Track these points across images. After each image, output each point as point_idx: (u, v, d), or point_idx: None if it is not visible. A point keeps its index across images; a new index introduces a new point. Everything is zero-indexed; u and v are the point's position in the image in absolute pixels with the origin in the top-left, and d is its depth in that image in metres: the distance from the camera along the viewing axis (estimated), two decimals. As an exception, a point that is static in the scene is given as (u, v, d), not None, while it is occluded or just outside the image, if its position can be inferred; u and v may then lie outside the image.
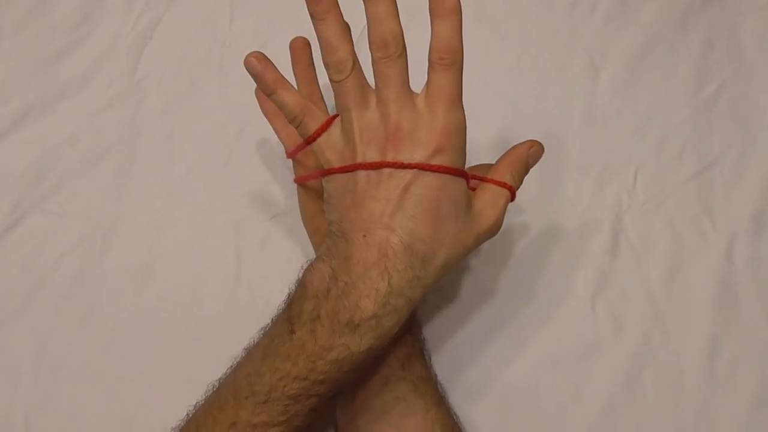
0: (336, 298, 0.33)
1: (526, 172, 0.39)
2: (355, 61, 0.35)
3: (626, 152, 0.54)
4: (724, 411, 0.45)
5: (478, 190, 0.37)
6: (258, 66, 0.35)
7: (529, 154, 0.39)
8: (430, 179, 0.34)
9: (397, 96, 0.34)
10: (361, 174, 0.35)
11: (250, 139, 0.53)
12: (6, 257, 0.49)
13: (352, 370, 0.34)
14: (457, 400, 0.44)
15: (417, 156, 0.33)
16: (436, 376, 0.42)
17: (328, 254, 0.35)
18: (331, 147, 0.36)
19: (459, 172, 0.34)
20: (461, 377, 0.46)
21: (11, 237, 0.49)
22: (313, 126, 0.36)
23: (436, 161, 0.34)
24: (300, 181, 0.46)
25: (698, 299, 0.48)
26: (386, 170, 0.34)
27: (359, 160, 0.35)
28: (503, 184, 0.37)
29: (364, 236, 0.34)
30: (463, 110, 0.35)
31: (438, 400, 0.40)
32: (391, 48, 0.33)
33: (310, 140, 0.37)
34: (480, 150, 0.53)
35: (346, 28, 0.35)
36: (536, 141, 0.39)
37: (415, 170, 0.33)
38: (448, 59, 0.33)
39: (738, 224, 0.51)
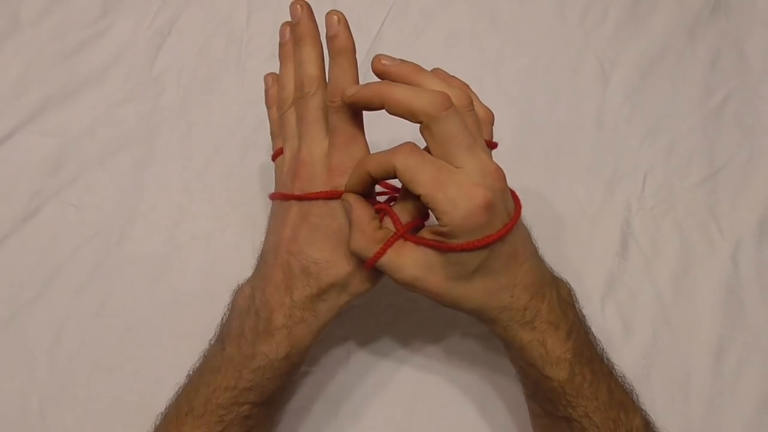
0: (255, 312, 0.37)
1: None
2: (296, 98, 0.38)
3: (636, 158, 0.55)
4: (731, 412, 0.46)
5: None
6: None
7: None
8: (322, 209, 0.36)
9: (306, 133, 0.37)
10: (277, 202, 0.39)
11: (269, 133, 0.53)
12: (23, 247, 0.49)
13: (275, 376, 0.36)
14: (472, 400, 0.45)
15: (315, 188, 0.36)
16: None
17: (253, 275, 0.39)
18: (279, 171, 0.40)
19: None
20: (476, 377, 0.47)
21: (28, 227, 0.49)
22: (277, 145, 0.41)
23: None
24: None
25: (705, 302, 0.49)
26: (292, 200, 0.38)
27: (277, 189, 0.40)
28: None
29: (275, 258, 0.37)
30: (362, 142, 0.37)
31: None
32: (304, 88, 0.37)
33: (273, 158, 0.41)
34: (493, 154, 0.54)
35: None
36: None
37: (312, 200, 0.37)
38: (337, 101, 0.35)
39: (744, 229, 0.52)
